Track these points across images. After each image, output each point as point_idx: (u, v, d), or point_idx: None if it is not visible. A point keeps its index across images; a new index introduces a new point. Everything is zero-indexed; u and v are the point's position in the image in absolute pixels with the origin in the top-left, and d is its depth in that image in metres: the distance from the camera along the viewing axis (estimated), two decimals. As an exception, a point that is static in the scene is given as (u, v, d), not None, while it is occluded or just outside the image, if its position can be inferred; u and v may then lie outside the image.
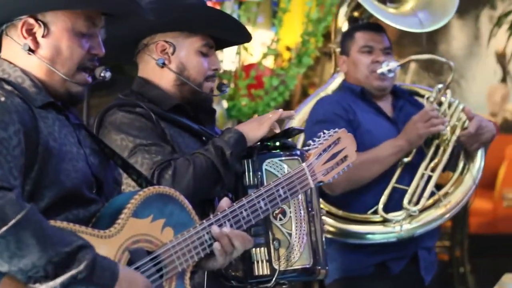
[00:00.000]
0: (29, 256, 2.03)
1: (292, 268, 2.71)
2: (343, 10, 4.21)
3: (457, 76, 8.19)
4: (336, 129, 2.73)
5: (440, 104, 3.82)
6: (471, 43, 8.01)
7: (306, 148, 2.69)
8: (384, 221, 3.69)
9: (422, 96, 3.94)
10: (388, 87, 3.87)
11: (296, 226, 2.73)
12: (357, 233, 3.71)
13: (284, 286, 2.76)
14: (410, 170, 3.73)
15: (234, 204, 2.45)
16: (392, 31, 4.05)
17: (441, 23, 4.09)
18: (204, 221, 2.37)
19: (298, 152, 2.75)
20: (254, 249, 2.66)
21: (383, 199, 3.68)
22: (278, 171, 2.73)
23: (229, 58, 5.46)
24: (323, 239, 2.79)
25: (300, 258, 2.72)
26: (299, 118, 4.01)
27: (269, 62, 5.67)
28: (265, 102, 5.35)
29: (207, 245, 2.35)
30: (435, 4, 4.09)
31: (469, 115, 3.77)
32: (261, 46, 5.60)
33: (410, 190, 3.69)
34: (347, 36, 3.95)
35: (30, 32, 2.27)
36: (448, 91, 3.84)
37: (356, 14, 4.17)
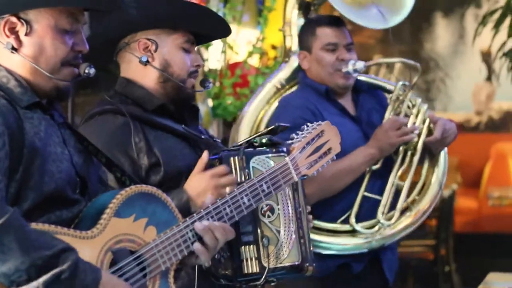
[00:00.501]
0: (11, 260, 2.02)
1: (281, 265, 2.70)
2: None
3: (442, 74, 8.21)
4: (320, 122, 2.72)
5: (401, 102, 3.75)
6: (456, 41, 8.04)
7: (290, 141, 2.68)
8: (354, 232, 3.64)
9: (382, 90, 3.88)
10: (351, 85, 3.79)
11: (285, 223, 2.72)
12: (327, 244, 3.64)
13: (272, 284, 2.76)
14: (377, 177, 3.70)
15: (218, 201, 2.44)
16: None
17: (403, 14, 3.95)
18: (187, 218, 2.36)
19: (285, 149, 2.73)
20: (243, 247, 2.66)
21: (354, 209, 3.63)
22: (265, 168, 2.70)
23: (214, 57, 5.46)
24: (310, 236, 2.79)
25: (289, 255, 2.71)
26: (251, 109, 3.96)
27: (254, 61, 5.67)
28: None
29: (191, 242, 2.34)
30: None
31: (433, 119, 3.72)
32: (247, 45, 5.60)
33: (383, 200, 3.65)
34: (308, 31, 3.81)
35: (13, 31, 2.25)
36: (411, 92, 3.77)
37: None
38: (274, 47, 5.91)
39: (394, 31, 4.15)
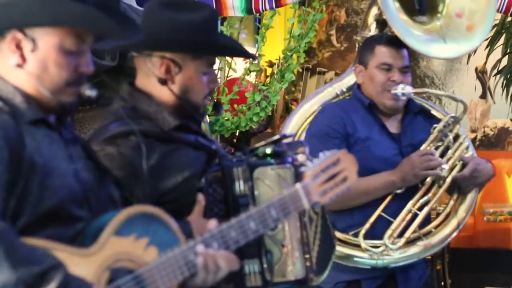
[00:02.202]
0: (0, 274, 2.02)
1: (285, 279, 2.68)
2: (374, 10, 4.16)
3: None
4: (335, 150, 2.67)
5: (445, 135, 3.79)
6: (451, 59, 8.07)
7: (304, 168, 2.61)
8: (360, 247, 3.68)
9: (433, 117, 3.91)
10: (400, 108, 3.82)
11: (288, 237, 2.70)
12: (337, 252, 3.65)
13: None
14: (399, 200, 3.71)
15: (223, 224, 2.40)
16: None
17: (466, 49, 4.06)
18: (190, 241, 2.34)
19: (290, 160, 2.73)
20: (245, 260, 2.61)
21: (366, 226, 3.65)
22: (269, 180, 2.70)
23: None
24: (318, 242, 2.77)
25: (293, 270, 2.69)
26: (306, 107, 4.02)
27: (252, 78, 5.69)
28: (247, 117, 5.36)
29: (192, 265, 2.31)
30: (461, 29, 4.05)
31: (465, 160, 3.75)
32: (244, 62, 5.63)
33: (394, 225, 3.67)
34: (367, 47, 3.89)
35: (18, 46, 2.26)
36: (458, 127, 3.81)
37: (384, 16, 4.10)
38: (271, 64, 5.96)
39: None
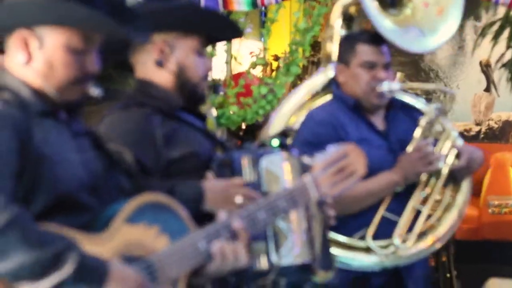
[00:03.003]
0: (15, 256, 2.04)
1: (291, 262, 2.71)
2: (341, 2, 4.08)
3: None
4: (344, 144, 2.69)
5: (432, 126, 3.74)
6: (456, 52, 8.08)
7: (312, 160, 2.66)
8: (369, 249, 3.65)
9: (414, 110, 3.86)
10: (384, 104, 3.78)
11: (296, 223, 2.72)
12: (342, 257, 3.62)
13: (282, 279, 2.74)
14: (398, 198, 3.69)
15: (231, 214, 2.43)
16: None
17: (444, 36, 3.95)
18: (201, 229, 2.37)
19: (296, 150, 2.76)
20: (253, 243, 2.62)
21: (372, 228, 3.63)
22: (276, 168, 2.73)
23: (218, 67, 5.51)
24: (320, 239, 2.80)
25: (299, 254, 2.72)
26: (282, 113, 3.96)
27: (257, 71, 5.71)
28: (253, 110, 5.38)
29: (202, 254, 2.34)
30: (433, 16, 3.96)
31: (460, 148, 3.73)
32: (250, 56, 5.65)
33: (401, 223, 3.66)
34: (348, 46, 3.81)
35: (26, 44, 2.29)
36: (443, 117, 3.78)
37: (352, 10, 4.07)
38: (276, 58, 5.98)
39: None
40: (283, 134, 2.84)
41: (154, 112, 2.82)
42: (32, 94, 2.28)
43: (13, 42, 2.30)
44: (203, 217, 2.62)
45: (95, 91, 2.36)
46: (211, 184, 2.72)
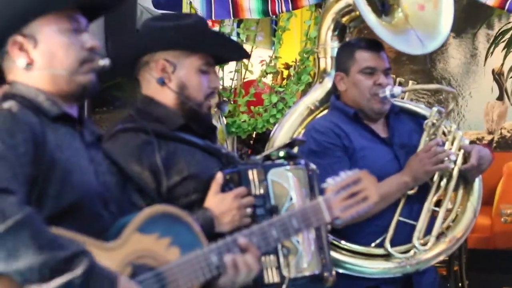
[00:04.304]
0: (25, 258, 2.03)
1: (301, 275, 2.72)
2: (331, 15, 4.08)
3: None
4: (357, 170, 2.70)
5: (437, 128, 3.72)
6: (468, 61, 8.07)
7: (325, 184, 2.64)
8: (388, 256, 3.63)
9: (417, 116, 3.86)
10: (386, 111, 3.76)
11: (304, 233, 2.73)
12: (360, 267, 3.62)
13: None
14: (412, 202, 3.68)
15: (245, 231, 2.43)
16: (390, 48, 3.93)
17: (440, 39, 3.96)
18: (213, 244, 2.36)
19: (303, 162, 2.76)
20: (263, 256, 2.65)
21: (389, 234, 3.61)
22: (283, 181, 2.73)
23: (229, 76, 5.51)
24: (328, 245, 2.80)
25: (309, 265, 2.73)
26: (284, 130, 3.97)
27: (268, 80, 5.71)
28: (264, 119, 5.38)
29: (214, 267, 2.33)
30: (428, 22, 3.97)
31: (467, 149, 3.71)
32: (261, 64, 5.65)
33: (418, 227, 3.64)
34: (346, 54, 3.78)
35: (22, 48, 2.31)
36: (446, 118, 3.75)
37: (343, 20, 4.06)
38: (287, 67, 5.97)
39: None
40: (289, 145, 2.83)
41: (153, 135, 2.79)
42: (46, 98, 2.29)
43: (9, 53, 2.31)
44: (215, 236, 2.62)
45: (104, 62, 2.38)
46: (215, 205, 2.71)
